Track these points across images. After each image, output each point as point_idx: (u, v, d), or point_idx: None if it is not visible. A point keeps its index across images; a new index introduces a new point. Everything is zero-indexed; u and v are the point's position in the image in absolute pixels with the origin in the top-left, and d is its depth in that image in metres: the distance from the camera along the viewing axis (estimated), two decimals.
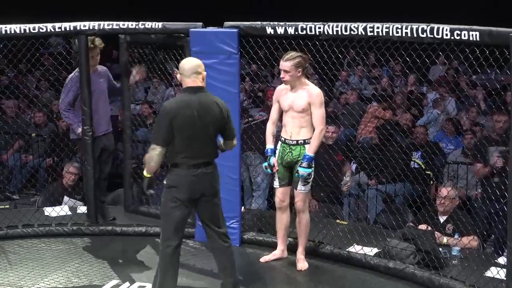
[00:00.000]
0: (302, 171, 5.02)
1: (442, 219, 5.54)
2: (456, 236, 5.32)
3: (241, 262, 5.49)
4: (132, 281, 5.10)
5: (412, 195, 6.36)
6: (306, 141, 5.06)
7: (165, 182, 4.44)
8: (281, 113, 5.21)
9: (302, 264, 5.29)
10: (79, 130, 6.03)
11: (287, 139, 5.13)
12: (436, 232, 5.41)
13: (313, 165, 5.10)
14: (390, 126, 7.40)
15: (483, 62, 4.70)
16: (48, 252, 5.77)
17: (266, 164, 5.23)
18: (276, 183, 5.26)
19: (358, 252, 5.40)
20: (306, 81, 5.13)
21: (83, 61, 5.90)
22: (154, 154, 4.34)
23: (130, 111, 6.34)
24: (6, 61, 9.02)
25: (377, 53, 5.59)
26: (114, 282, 5.12)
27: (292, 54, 5.03)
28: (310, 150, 5.02)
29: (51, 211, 6.39)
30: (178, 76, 4.66)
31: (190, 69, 4.41)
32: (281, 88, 5.20)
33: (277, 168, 5.16)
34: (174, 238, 4.48)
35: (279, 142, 5.21)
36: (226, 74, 5.53)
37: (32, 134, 8.05)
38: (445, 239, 5.50)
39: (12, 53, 6.38)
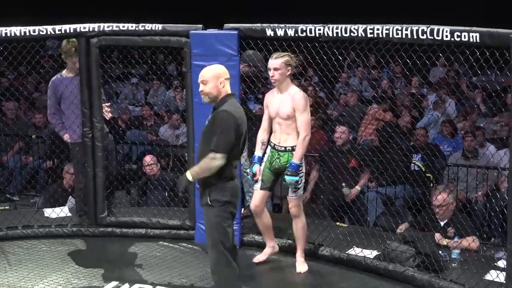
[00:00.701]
0: (289, 179, 5.00)
1: (442, 222, 5.52)
2: (456, 239, 5.31)
3: (241, 264, 5.49)
4: (131, 283, 5.09)
5: (412, 198, 6.36)
6: (294, 147, 5.02)
7: (216, 198, 4.12)
8: (271, 117, 5.17)
9: (301, 266, 5.28)
10: (65, 136, 6.02)
11: (276, 145, 5.11)
12: (436, 234, 5.40)
13: (302, 171, 5.06)
14: (390, 128, 7.40)
15: (484, 64, 4.70)
16: (47, 253, 5.77)
17: (248, 170, 5.23)
18: (257, 185, 5.21)
19: (358, 254, 5.39)
20: (292, 85, 5.08)
21: (83, 63, 5.90)
22: (215, 164, 4.05)
23: (102, 123, 6.21)
24: (6, 63, 9.02)
25: (377, 55, 5.59)
26: (114, 283, 5.11)
27: (281, 53, 5.03)
28: (295, 157, 4.97)
29: (51, 212, 6.38)
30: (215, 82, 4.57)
31: (227, 74, 4.26)
32: (269, 93, 5.19)
33: (258, 177, 5.13)
34: (233, 258, 4.25)
35: (269, 147, 5.19)
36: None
37: (32, 135, 8.04)
38: (445, 241, 5.48)
39: (12, 56, 6.37)
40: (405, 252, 5.11)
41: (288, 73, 4.98)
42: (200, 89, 4.18)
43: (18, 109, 8.42)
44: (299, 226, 5.23)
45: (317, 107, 9.09)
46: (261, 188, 5.18)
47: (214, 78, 4.15)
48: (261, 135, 5.19)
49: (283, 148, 5.05)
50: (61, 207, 6.45)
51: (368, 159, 6.78)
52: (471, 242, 5.32)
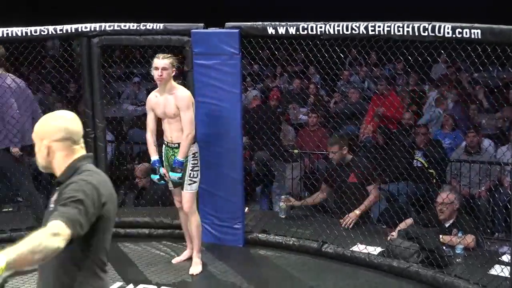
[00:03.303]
0: (172, 175, 5.07)
1: (447, 224, 5.50)
2: (459, 235, 5.31)
3: (244, 262, 5.50)
4: (136, 283, 5.10)
5: (415, 194, 6.35)
6: None
7: None
8: (157, 121, 5.22)
9: (195, 268, 5.24)
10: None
11: (169, 143, 5.17)
12: (443, 237, 5.36)
13: (197, 166, 5.13)
14: (392, 125, 7.40)
15: (485, 60, 4.70)
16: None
17: (157, 177, 5.20)
18: (170, 185, 5.25)
19: (362, 251, 5.39)
20: (176, 84, 5.13)
21: (85, 63, 5.90)
22: (53, 244, 2.37)
23: (104, 123, 6.20)
24: (8, 64, 9.01)
25: (378, 52, 5.59)
26: (118, 284, 5.11)
27: (166, 54, 5.10)
28: (180, 154, 5.05)
29: None
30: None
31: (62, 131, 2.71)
32: (151, 97, 5.21)
33: (167, 178, 5.16)
34: None
35: (163, 146, 5.23)
36: (228, 74, 5.53)
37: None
38: (449, 238, 5.46)
39: (14, 56, 6.37)
40: (409, 248, 5.12)
41: (173, 73, 5.06)
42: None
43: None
44: (193, 224, 5.23)
45: (318, 105, 9.10)
46: (174, 187, 5.23)
47: (37, 139, 2.71)
48: (151, 139, 5.21)
49: (176, 145, 5.12)
50: None
51: (371, 156, 6.78)
52: (470, 241, 5.31)
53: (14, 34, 5.77)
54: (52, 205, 2.64)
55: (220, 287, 5.02)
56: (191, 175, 5.13)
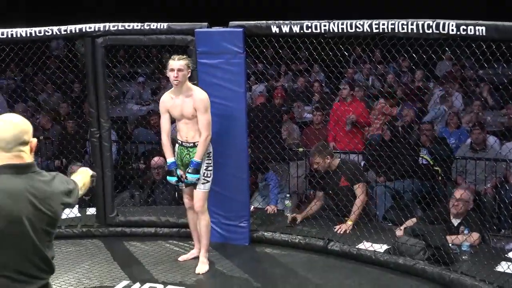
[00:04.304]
0: (190, 177, 5.08)
1: (455, 222, 5.51)
2: (465, 232, 5.31)
3: (251, 260, 5.52)
4: (142, 282, 5.11)
5: (421, 191, 6.36)
6: None
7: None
8: (172, 122, 5.23)
9: (202, 266, 5.25)
10: None
11: (183, 142, 5.17)
12: (449, 236, 5.35)
13: (211, 165, 5.15)
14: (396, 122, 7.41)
15: (490, 57, 4.71)
16: (58, 254, 5.72)
17: (175, 179, 5.17)
18: (181, 185, 5.24)
19: (368, 249, 5.40)
20: (192, 85, 5.13)
21: (89, 63, 5.92)
22: None
23: (109, 123, 6.21)
24: (12, 65, 9.07)
25: (383, 50, 5.59)
26: (125, 283, 5.13)
27: (181, 55, 5.08)
28: (197, 156, 5.06)
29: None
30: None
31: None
32: (166, 99, 5.17)
33: (185, 177, 5.16)
34: None
35: (176, 145, 5.23)
36: (232, 73, 5.54)
37: (40, 137, 8.08)
38: (453, 237, 5.45)
39: (18, 57, 6.40)
40: (415, 246, 5.12)
41: (189, 75, 5.05)
42: None
43: (26, 111, 8.45)
44: (202, 223, 5.23)
45: (323, 103, 9.10)
46: (186, 186, 5.23)
47: None
48: (167, 141, 5.19)
49: (191, 144, 5.12)
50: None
51: (376, 153, 6.78)
52: (476, 238, 5.31)
53: (18, 35, 5.79)
54: None
55: (226, 285, 5.03)
56: (205, 175, 5.14)
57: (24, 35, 5.81)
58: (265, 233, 5.84)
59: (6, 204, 2.54)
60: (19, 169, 2.61)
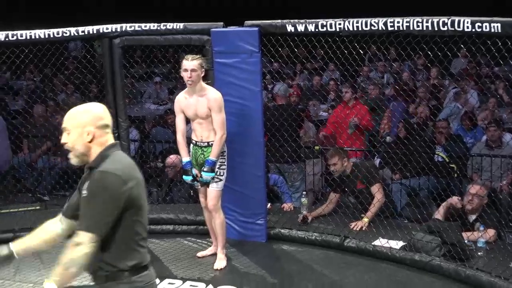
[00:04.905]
0: (205, 175, 5.11)
1: (471, 218, 5.52)
2: (481, 228, 5.31)
3: (268, 257, 5.55)
4: (161, 278, 5.14)
5: (436, 188, 6.36)
6: None
7: None
8: (187, 122, 5.25)
9: (220, 263, 5.30)
10: None
11: (198, 142, 5.19)
12: (465, 233, 5.35)
13: (224, 164, 5.18)
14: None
15: (505, 54, 4.70)
16: None
17: (190, 178, 5.22)
18: (197, 184, 5.27)
19: (384, 245, 5.42)
20: (205, 85, 5.14)
21: (107, 63, 5.98)
22: (82, 252, 2.72)
23: (127, 123, 6.28)
24: (31, 66, 9.16)
25: (398, 48, 5.60)
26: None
27: (194, 55, 5.09)
28: (212, 155, 5.09)
29: None
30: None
31: (100, 119, 2.88)
32: (180, 98, 5.19)
33: (200, 176, 5.19)
34: None
35: (191, 145, 5.25)
36: (248, 72, 5.57)
37: (60, 136, 8.13)
38: (469, 234, 5.44)
39: (37, 58, 6.48)
40: (431, 242, 5.13)
41: (202, 74, 5.06)
42: (62, 141, 2.86)
43: (45, 111, 8.52)
44: (217, 222, 5.27)
45: (339, 101, 9.11)
46: (202, 186, 5.26)
47: (78, 126, 2.80)
48: (182, 141, 5.22)
49: (206, 144, 5.15)
50: None
51: (392, 151, 6.78)
52: (491, 235, 5.31)
53: (36, 36, 5.87)
54: (85, 192, 2.75)
55: (244, 281, 5.07)
56: (218, 173, 5.18)
57: (42, 36, 5.89)
58: (282, 230, 5.87)
59: (139, 175, 2.86)
60: (119, 145, 2.93)
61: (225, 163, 5.22)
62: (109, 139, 2.85)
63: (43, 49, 6.25)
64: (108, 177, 2.71)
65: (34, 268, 5.52)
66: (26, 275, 5.40)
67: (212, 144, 5.12)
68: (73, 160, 2.84)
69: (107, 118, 2.86)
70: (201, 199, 5.39)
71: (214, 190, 5.21)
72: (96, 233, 2.69)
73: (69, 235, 2.94)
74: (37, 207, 6.76)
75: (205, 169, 5.12)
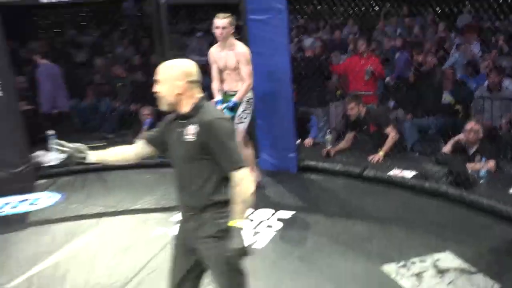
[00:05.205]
0: (226, 112, 5.03)
1: (471, 151, 5.49)
2: (483, 160, 5.29)
3: (298, 186, 5.61)
4: None
5: (443, 127, 6.31)
6: None
7: (219, 229, 2.73)
8: (220, 71, 5.18)
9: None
10: None
11: (227, 91, 5.16)
12: (468, 165, 5.34)
13: (248, 109, 5.12)
14: (420, 67, 7.28)
15: (506, 9, 4.58)
16: (138, 180, 5.96)
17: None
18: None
19: (398, 175, 5.43)
20: (235, 40, 5.06)
21: (155, 21, 5.95)
22: (250, 182, 2.69)
23: None
24: (92, 22, 9.14)
25: (410, 5, 5.47)
26: None
27: (225, 14, 4.98)
28: (236, 97, 5.05)
29: None
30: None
31: (192, 74, 2.79)
32: (213, 51, 5.14)
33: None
34: None
35: (221, 93, 5.20)
36: (277, 27, 5.51)
37: (118, 84, 8.21)
38: (475, 166, 5.42)
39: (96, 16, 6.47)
40: (438, 172, 5.14)
41: (232, 31, 4.99)
42: (154, 89, 2.82)
43: (105, 63, 8.58)
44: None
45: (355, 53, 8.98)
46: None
47: (170, 79, 2.75)
48: (216, 85, 5.19)
49: (233, 93, 5.12)
50: None
51: (403, 93, 6.71)
52: (492, 165, 5.29)
53: None
54: (190, 137, 2.72)
55: (278, 205, 5.13)
56: (241, 116, 5.14)
57: None
58: (310, 162, 5.90)
59: None
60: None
61: (249, 110, 5.18)
62: (197, 92, 2.78)
63: (102, 8, 6.24)
64: (225, 122, 2.71)
65: (101, 194, 5.66)
66: (95, 200, 5.54)
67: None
68: (163, 107, 2.79)
69: (196, 74, 2.77)
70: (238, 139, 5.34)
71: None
72: (245, 164, 2.69)
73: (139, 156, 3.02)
74: (102, 144, 6.84)
75: (226, 107, 5.05)
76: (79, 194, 5.69)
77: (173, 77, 2.72)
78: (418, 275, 3.85)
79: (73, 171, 6.18)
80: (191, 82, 2.75)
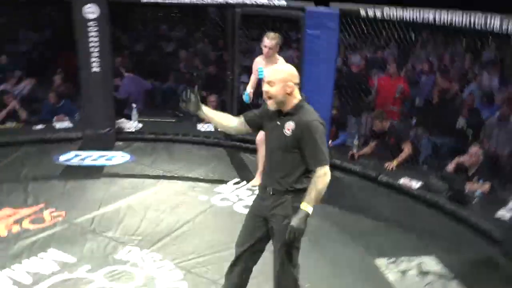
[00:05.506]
0: (247, 98, 4.80)
1: (471, 172, 5.23)
2: (480, 181, 5.04)
3: None
4: (248, 180, 5.22)
5: (454, 147, 6.05)
6: None
7: (293, 212, 2.72)
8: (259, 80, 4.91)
9: (253, 181, 5.08)
10: None
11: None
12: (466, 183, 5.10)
13: None
14: (444, 94, 6.98)
15: None
16: (196, 154, 6.00)
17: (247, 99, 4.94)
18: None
19: (406, 184, 5.25)
20: (278, 56, 4.82)
21: (229, 26, 5.93)
22: (328, 179, 2.73)
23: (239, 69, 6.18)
24: (179, 22, 9.19)
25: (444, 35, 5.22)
26: (236, 180, 5.28)
27: (274, 35, 4.77)
28: None
29: (201, 127, 6.55)
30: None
31: (296, 77, 2.81)
32: (258, 61, 4.92)
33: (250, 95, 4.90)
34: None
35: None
36: (329, 43, 5.41)
37: (194, 73, 8.27)
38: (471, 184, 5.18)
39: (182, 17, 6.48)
40: (441, 187, 4.94)
41: (277, 49, 4.78)
42: (264, 89, 2.78)
43: (188, 55, 8.65)
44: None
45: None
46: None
47: (281, 81, 2.73)
48: (250, 88, 4.95)
49: None
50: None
51: (424, 114, 6.44)
52: (486, 187, 5.04)
53: (187, 1, 5.82)
54: (288, 132, 2.72)
55: None
56: None
57: (187, 1, 5.86)
58: (336, 161, 5.76)
59: None
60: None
61: None
62: (298, 93, 2.78)
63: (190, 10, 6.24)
64: (319, 125, 2.70)
65: (164, 161, 5.74)
66: (158, 165, 5.62)
67: None
68: (272, 105, 2.76)
69: (298, 77, 2.79)
70: (257, 140, 5.06)
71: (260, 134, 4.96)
72: (328, 163, 2.71)
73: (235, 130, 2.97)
74: (173, 120, 6.93)
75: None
76: (146, 158, 5.80)
77: (284, 79, 2.72)
78: (403, 272, 3.76)
79: (145, 139, 6.30)
80: (296, 83, 2.76)
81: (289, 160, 2.73)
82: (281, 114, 2.76)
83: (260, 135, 5.14)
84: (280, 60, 4.94)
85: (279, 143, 2.74)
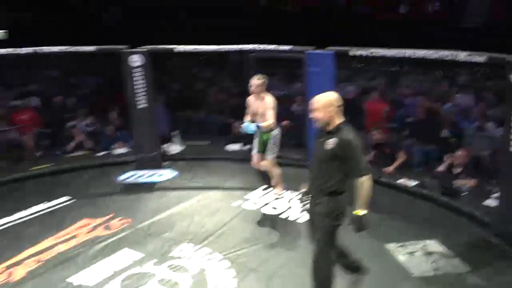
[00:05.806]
0: (246, 126, 4.55)
1: (458, 171, 5.12)
2: (467, 179, 4.92)
3: None
4: (260, 186, 5.16)
5: (441, 153, 5.93)
6: (270, 128, 4.64)
7: (333, 209, 2.87)
8: (253, 114, 4.78)
9: (275, 190, 5.01)
10: None
11: (260, 127, 4.66)
12: (455, 181, 4.98)
13: (275, 144, 4.72)
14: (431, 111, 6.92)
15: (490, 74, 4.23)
16: (227, 168, 5.95)
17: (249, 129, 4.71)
18: (254, 151, 4.87)
19: (403, 183, 5.16)
20: (265, 93, 4.69)
21: (246, 66, 5.99)
22: (371, 184, 2.78)
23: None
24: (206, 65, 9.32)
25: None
26: (263, 187, 5.21)
27: (260, 76, 4.69)
28: (263, 124, 4.59)
29: (228, 147, 6.55)
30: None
31: (338, 101, 2.88)
32: (250, 98, 4.77)
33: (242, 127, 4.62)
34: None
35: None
36: (326, 78, 5.32)
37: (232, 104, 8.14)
38: (459, 181, 5.06)
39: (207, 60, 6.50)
40: (433, 183, 4.84)
41: (263, 87, 4.67)
42: (310, 116, 2.90)
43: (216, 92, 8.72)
44: (274, 174, 4.88)
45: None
46: (258, 152, 4.86)
47: (323, 107, 2.81)
48: (248, 116, 4.76)
49: (265, 130, 4.68)
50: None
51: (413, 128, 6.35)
52: (472, 183, 4.91)
53: (206, 49, 5.83)
54: (329, 147, 2.80)
55: None
56: (271, 149, 4.78)
57: (212, 49, 5.82)
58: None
59: None
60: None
61: (277, 144, 4.77)
62: (341, 115, 2.85)
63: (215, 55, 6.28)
64: (357, 142, 2.76)
65: (202, 175, 5.73)
66: (198, 178, 5.62)
67: (266, 130, 4.70)
68: (319, 125, 2.86)
69: (340, 101, 2.84)
70: (253, 161, 4.88)
71: (268, 159, 4.83)
72: (368, 171, 2.76)
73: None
74: (206, 143, 6.91)
75: (252, 126, 4.63)
76: (188, 174, 5.81)
77: (326, 105, 2.81)
78: (411, 254, 3.65)
79: (185, 159, 6.32)
80: (338, 107, 2.82)
81: (328, 169, 2.80)
82: (325, 133, 2.84)
83: (255, 160, 4.91)
84: (267, 96, 4.75)
85: (322, 155, 2.81)
